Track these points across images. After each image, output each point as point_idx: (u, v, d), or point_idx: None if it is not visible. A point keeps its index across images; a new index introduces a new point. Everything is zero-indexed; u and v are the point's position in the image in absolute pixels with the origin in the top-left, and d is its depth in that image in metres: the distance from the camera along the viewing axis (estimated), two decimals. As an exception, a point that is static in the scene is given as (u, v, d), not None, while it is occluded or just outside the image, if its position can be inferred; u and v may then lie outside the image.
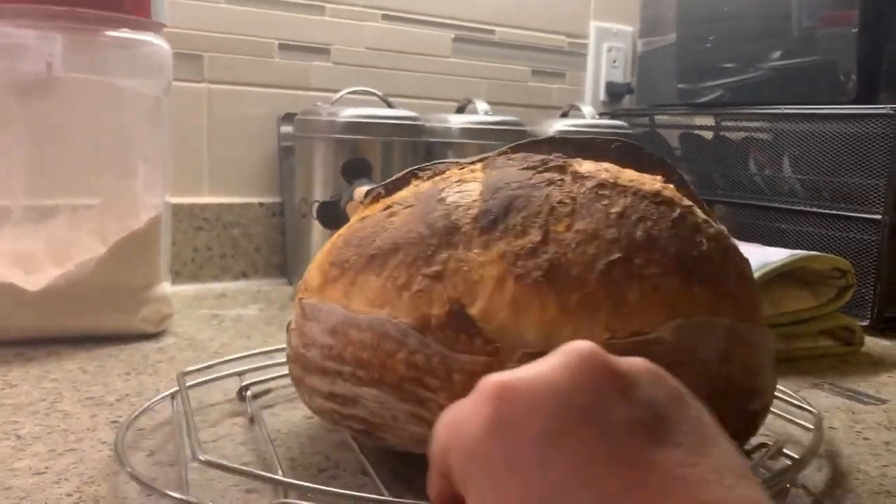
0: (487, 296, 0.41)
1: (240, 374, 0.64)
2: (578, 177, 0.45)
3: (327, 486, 0.45)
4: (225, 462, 0.46)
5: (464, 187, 0.46)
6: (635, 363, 0.30)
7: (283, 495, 0.42)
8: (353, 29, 1.17)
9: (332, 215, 0.95)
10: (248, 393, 0.61)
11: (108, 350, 0.74)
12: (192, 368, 0.63)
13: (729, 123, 1.17)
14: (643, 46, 1.36)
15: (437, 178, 0.50)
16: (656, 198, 0.44)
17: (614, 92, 1.43)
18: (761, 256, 0.81)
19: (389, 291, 0.43)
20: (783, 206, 1.04)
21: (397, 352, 0.42)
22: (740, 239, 0.93)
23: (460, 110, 1.17)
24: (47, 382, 0.65)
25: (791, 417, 0.59)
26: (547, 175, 0.45)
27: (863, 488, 0.51)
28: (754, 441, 0.54)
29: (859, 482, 0.52)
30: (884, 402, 0.70)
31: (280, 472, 0.46)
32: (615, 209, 0.43)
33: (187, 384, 0.60)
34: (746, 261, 0.48)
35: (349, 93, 1.05)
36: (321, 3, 1.14)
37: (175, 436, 0.53)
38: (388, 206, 0.48)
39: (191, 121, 1.07)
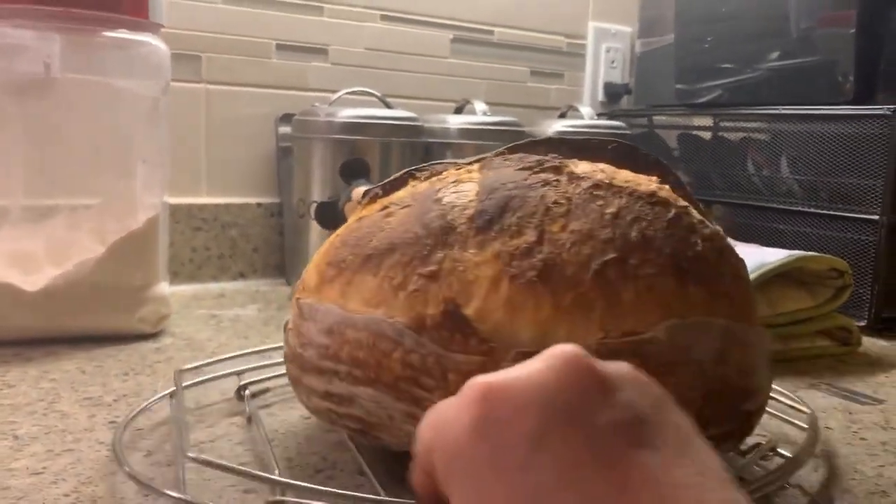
0: (482, 296, 0.41)
1: (238, 373, 0.64)
2: (574, 177, 0.45)
3: (324, 486, 0.45)
4: (219, 461, 0.46)
5: (460, 188, 0.46)
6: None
7: (280, 494, 0.42)
8: (351, 29, 1.17)
9: (331, 216, 0.95)
10: (246, 392, 0.61)
11: (107, 350, 0.74)
12: (189, 367, 0.63)
13: (727, 124, 1.17)
14: (641, 47, 1.36)
15: (434, 178, 0.50)
16: (651, 198, 0.44)
17: (613, 92, 1.43)
18: (759, 257, 0.81)
19: (385, 291, 0.43)
20: (781, 206, 1.04)
21: (393, 351, 0.42)
22: (738, 239, 0.93)
23: (459, 111, 1.17)
24: (45, 382, 0.65)
25: (787, 417, 0.59)
26: (543, 176, 0.45)
27: (859, 488, 0.51)
28: (750, 441, 0.54)
29: (855, 482, 0.52)
30: (880, 402, 0.70)
31: (277, 471, 0.46)
32: (610, 210, 0.43)
33: (185, 384, 0.60)
34: (742, 261, 0.48)
35: (347, 93, 1.05)
36: (319, 4, 1.14)
37: (172, 436, 0.53)
38: (385, 207, 0.48)
39: (189, 121, 1.07)
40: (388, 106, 1.06)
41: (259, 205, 1.12)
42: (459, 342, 0.40)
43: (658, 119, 1.29)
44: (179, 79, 1.02)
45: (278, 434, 0.56)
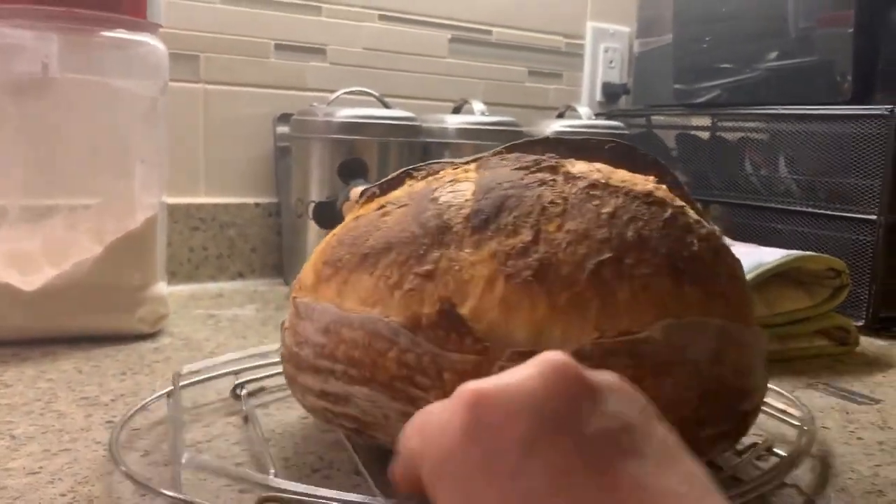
0: (478, 295, 0.41)
1: (235, 373, 0.64)
2: (570, 177, 0.45)
3: (320, 486, 0.45)
4: (212, 463, 0.46)
5: (457, 187, 0.46)
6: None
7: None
8: (349, 29, 1.17)
9: (329, 215, 0.95)
10: (244, 391, 0.61)
11: (104, 350, 0.74)
12: (187, 369, 0.63)
13: (725, 124, 1.17)
14: (640, 47, 1.36)
15: (431, 177, 0.50)
16: (648, 198, 0.44)
17: (611, 92, 1.43)
18: (756, 256, 0.81)
19: (381, 290, 0.43)
20: (779, 206, 1.04)
21: (388, 350, 0.42)
22: (736, 239, 0.94)
23: (457, 111, 1.17)
24: (42, 382, 0.65)
25: (784, 417, 0.59)
26: (539, 175, 0.45)
27: (856, 488, 0.51)
28: (747, 441, 0.54)
29: (852, 482, 0.52)
30: (878, 401, 0.70)
31: (272, 471, 0.46)
32: (606, 209, 0.43)
33: (183, 383, 0.60)
34: (738, 261, 0.48)
35: (345, 93, 1.05)
36: (317, 4, 1.14)
37: (169, 436, 0.53)
38: (382, 206, 0.48)
39: (187, 121, 1.07)
40: (386, 106, 1.06)
41: (257, 205, 1.12)
42: (455, 341, 0.40)
43: (656, 119, 1.29)
44: (178, 79, 1.02)
45: (275, 434, 0.56)
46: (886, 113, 0.90)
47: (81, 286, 0.75)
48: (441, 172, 0.50)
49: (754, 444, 0.53)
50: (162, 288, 0.82)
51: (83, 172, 0.79)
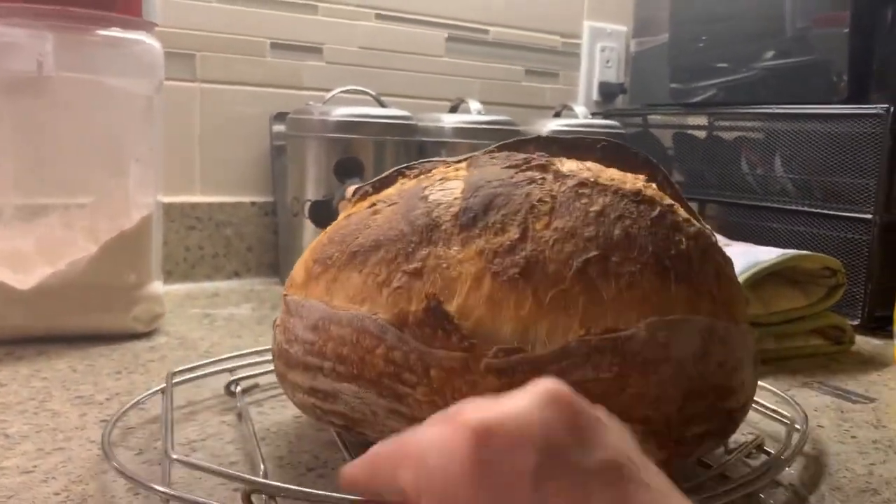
0: (465, 292, 0.41)
1: (230, 370, 0.64)
2: (560, 176, 0.45)
3: (315, 485, 0.45)
4: (199, 462, 0.47)
5: (446, 185, 0.46)
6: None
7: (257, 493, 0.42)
8: (345, 28, 1.17)
9: (325, 214, 0.95)
10: (238, 388, 0.61)
11: (99, 349, 0.74)
12: (181, 368, 0.63)
13: (721, 123, 1.17)
14: (636, 46, 1.37)
15: (422, 176, 0.50)
16: (637, 197, 0.44)
17: (607, 92, 1.43)
18: (752, 256, 0.81)
19: (370, 288, 0.43)
20: (775, 205, 1.04)
21: (376, 348, 0.42)
22: (731, 238, 0.94)
23: (453, 110, 1.17)
24: (37, 381, 0.65)
25: (777, 416, 0.59)
26: (529, 174, 0.45)
27: (850, 486, 0.51)
28: (740, 440, 0.54)
29: (846, 480, 0.52)
30: (872, 400, 0.70)
31: (262, 469, 0.46)
32: (594, 208, 0.43)
33: (177, 381, 0.60)
34: (728, 260, 0.48)
35: (342, 92, 1.05)
36: (314, 3, 1.14)
37: (161, 433, 0.53)
38: (373, 204, 0.48)
39: (183, 120, 1.07)
40: (382, 105, 1.06)
41: (253, 203, 1.12)
42: (441, 339, 0.41)
43: (653, 118, 1.29)
44: (174, 77, 1.02)
45: (270, 433, 0.56)
46: (882, 112, 0.90)
47: (76, 285, 0.75)
48: (433, 171, 0.50)
49: (746, 443, 0.53)
50: (157, 287, 0.82)
51: (78, 171, 0.79)
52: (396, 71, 1.22)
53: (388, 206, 0.47)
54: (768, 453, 0.52)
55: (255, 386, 0.64)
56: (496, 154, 0.50)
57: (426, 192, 0.46)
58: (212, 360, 0.67)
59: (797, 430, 0.55)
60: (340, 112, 0.98)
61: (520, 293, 0.41)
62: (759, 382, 0.56)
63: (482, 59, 1.30)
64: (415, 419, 0.42)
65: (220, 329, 0.84)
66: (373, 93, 1.08)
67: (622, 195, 0.44)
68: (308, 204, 0.99)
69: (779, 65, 1.06)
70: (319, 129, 0.99)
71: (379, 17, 1.19)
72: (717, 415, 0.44)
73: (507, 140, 0.53)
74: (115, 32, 0.78)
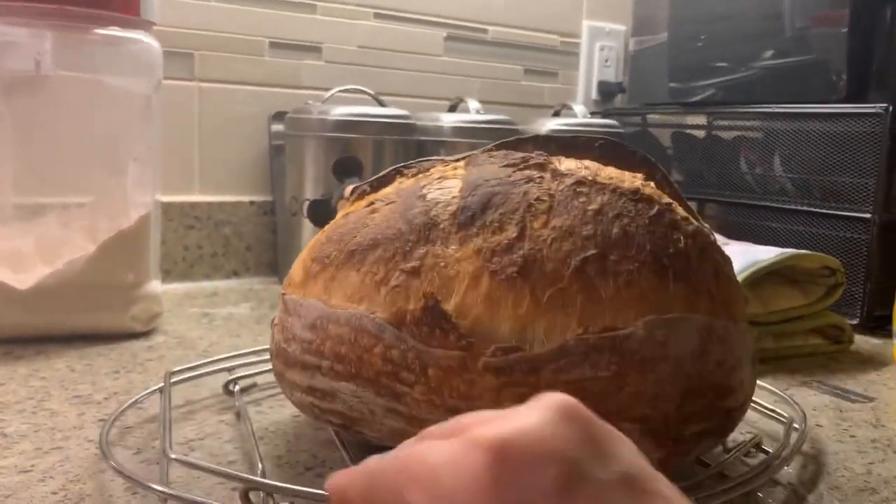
0: (463, 291, 0.41)
1: (229, 369, 0.64)
2: (558, 174, 0.45)
3: (313, 484, 0.45)
4: (196, 461, 0.46)
5: (444, 184, 0.46)
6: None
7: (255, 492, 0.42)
8: (344, 27, 1.17)
9: (323, 214, 0.95)
10: (236, 388, 0.61)
11: (98, 348, 0.74)
12: (179, 368, 0.63)
13: (720, 122, 1.17)
14: (635, 45, 1.36)
15: (421, 175, 0.50)
16: (635, 195, 0.44)
17: (606, 91, 1.43)
18: (751, 255, 0.81)
19: (368, 287, 0.43)
20: (774, 204, 1.04)
21: (374, 346, 0.42)
22: (730, 237, 0.94)
23: (452, 109, 1.17)
24: (35, 381, 0.65)
25: (775, 415, 0.59)
26: (527, 172, 0.45)
27: (848, 485, 0.51)
28: (738, 438, 0.54)
29: (845, 479, 0.52)
30: (871, 399, 0.70)
31: (260, 468, 0.46)
32: (592, 206, 0.43)
33: (175, 380, 0.60)
34: (727, 259, 0.48)
35: (340, 91, 1.05)
36: (312, 2, 1.14)
37: (159, 433, 0.53)
38: (371, 203, 0.48)
39: (182, 119, 1.07)
40: (381, 104, 1.06)
41: (252, 203, 1.11)
42: (439, 337, 0.41)
43: (652, 117, 1.29)
44: (172, 76, 1.02)
45: (268, 432, 0.56)
46: (881, 111, 0.90)
47: (75, 284, 0.75)
48: (431, 170, 0.50)
49: (744, 442, 0.53)
50: (156, 286, 0.82)
51: (76, 170, 0.79)
52: (395, 70, 1.22)
53: (387, 204, 0.47)
54: (767, 452, 0.52)
55: (254, 385, 0.64)
56: (494, 153, 0.50)
57: (424, 191, 0.46)
58: (210, 359, 0.67)
59: (796, 429, 0.55)
60: (339, 111, 0.98)
61: (518, 292, 0.41)
62: (758, 381, 0.56)
63: (481, 58, 1.30)
64: (413, 418, 0.42)
65: (218, 328, 0.84)
66: (372, 92, 1.08)
67: (620, 194, 0.44)
68: (307, 203, 0.99)
69: (778, 64, 1.06)
70: (318, 128, 0.99)
71: (378, 16, 1.19)
72: (715, 413, 0.44)
73: (505, 139, 0.53)
74: (114, 31, 0.78)
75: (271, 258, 1.13)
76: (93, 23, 0.76)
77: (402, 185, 0.50)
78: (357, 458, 0.48)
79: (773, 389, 0.65)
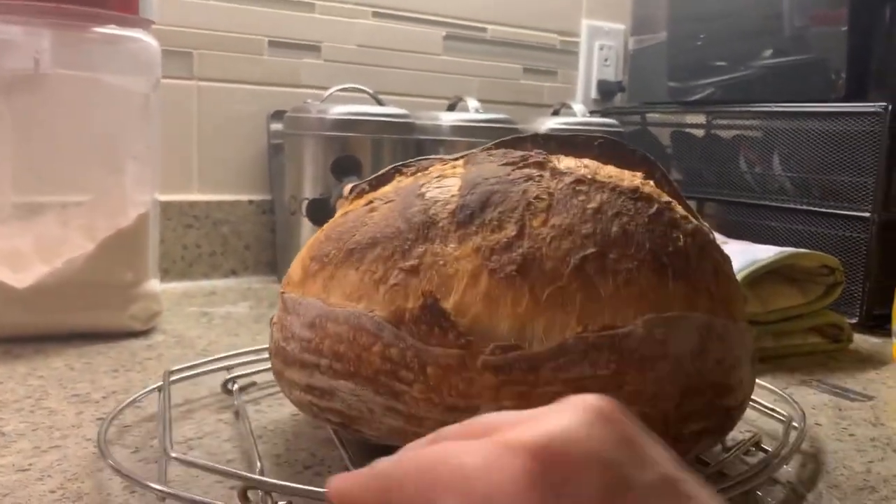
0: (461, 290, 0.41)
1: (227, 368, 0.64)
2: (557, 173, 0.45)
3: (312, 483, 0.45)
4: (195, 460, 0.46)
5: (443, 183, 0.46)
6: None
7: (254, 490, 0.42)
8: (343, 26, 1.17)
9: (322, 213, 0.95)
10: (235, 386, 0.61)
11: (97, 347, 0.74)
12: (178, 367, 0.63)
13: (720, 121, 1.17)
14: (635, 44, 1.36)
15: (419, 173, 0.50)
16: (634, 194, 0.44)
17: (606, 90, 1.43)
18: (750, 254, 0.81)
19: (367, 285, 0.43)
20: (773, 203, 1.04)
21: (373, 345, 0.42)
22: (729, 236, 0.94)
23: (451, 108, 1.17)
24: (33, 379, 0.65)
25: (775, 414, 0.59)
26: (526, 171, 0.45)
27: (847, 484, 0.51)
28: (738, 437, 0.54)
29: (844, 478, 0.52)
30: (870, 398, 0.70)
31: (259, 467, 0.46)
32: (592, 204, 0.43)
33: (174, 378, 0.60)
34: (726, 257, 0.48)
35: (339, 90, 1.05)
36: (311, 1, 1.14)
37: (158, 431, 0.53)
38: (370, 202, 0.48)
39: (180, 118, 1.07)
40: (379, 103, 1.06)
41: (251, 202, 1.11)
42: (438, 336, 0.41)
43: (651, 116, 1.29)
44: (171, 75, 1.02)
45: (267, 431, 0.56)
46: (880, 110, 0.90)
47: (73, 283, 0.75)
48: (430, 168, 0.50)
49: (743, 441, 0.53)
50: (155, 285, 0.82)
51: (75, 169, 0.79)
52: (394, 69, 1.22)
53: (385, 203, 0.47)
54: (766, 451, 0.52)
55: (253, 384, 0.64)
56: (493, 151, 0.50)
57: (423, 190, 0.46)
58: (209, 358, 0.66)
59: (795, 427, 0.55)
60: (338, 110, 0.98)
61: (517, 290, 0.41)
62: (757, 380, 0.56)
63: (480, 57, 1.30)
64: (411, 416, 0.42)
65: (217, 327, 0.84)
66: (370, 91, 1.08)
67: (619, 192, 0.44)
68: (306, 202, 0.99)
69: (777, 63, 1.06)
70: (317, 127, 0.99)
71: (376, 15, 1.19)
72: (714, 412, 0.44)
73: (504, 137, 0.53)
74: (112, 30, 0.78)
75: (270, 257, 1.13)
76: (91, 21, 0.76)
77: (400, 183, 0.50)
78: (356, 456, 0.48)
79: (773, 388, 0.65)
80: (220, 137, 1.10)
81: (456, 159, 0.50)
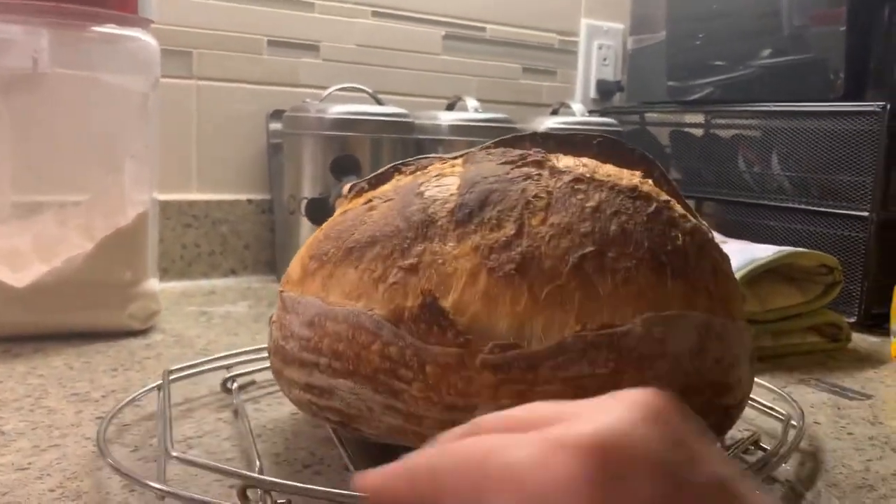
0: (460, 288, 0.41)
1: (227, 367, 0.64)
2: (556, 171, 0.45)
3: (311, 482, 0.45)
4: (194, 458, 0.46)
5: (442, 181, 0.46)
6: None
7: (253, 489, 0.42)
8: (342, 26, 1.17)
9: (321, 212, 0.95)
10: (234, 385, 0.61)
11: (96, 346, 0.74)
12: (177, 366, 0.63)
13: (718, 121, 1.17)
14: (633, 44, 1.36)
15: (418, 172, 0.50)
16: (633, 192, 0.44)
17: (605, 90, 1.43)
18: (749, 253, 0.81)
19: (366, 284, 0.43)
20: (772, 202, 1.04)
21: (372, 343, 0.42)
22: (728, 235, 0.94)
23: (450, 107, 1.17)
24: (33, 378, 0.65)
25: (773, 413, 0.59)
26: (525, 170, 0.45)
27: (846, 483, 0.51)
28: (737, 436, 0.54)
29: (843, 476, 0.52)
30: (869, 397, 0.70)
31: (258, 466, 0.46)
32: (590, 203, 0.43)
33: (173, 377, 0.60)
34: (725, 256, 0.48)
35: (338, 89, 1.05)
36: (311, 0, 1.14)
37: (157, 431, 0.53)
38: (369, 200, 0.48)
39: (180, 117, 1.07)
40: (379, 102, 1.06)
41: (250, 201, 1.11)
42: (437, 334, 0.41)
43: (650, 116, 1.29)
44: (170, 75, 1.02)
45: (266, 430, 0.56)
46: (878, 110, 0.90)
47: (72, 282, 0.75)
48: (429, 167, 0.50)
49: (742, 439, 0.53)
50: (153, 284, 0.82)
51: (74, 168, 0.79)
52: (393, 69, 1.22)
53: (384, 202, 0.47)
54: (764, 450, 0.52)
55: (252, 383, 0.64)
56: (492, 150, 0.50)
57: (422, 189, 0.46)
58: (208, 357, 0.66)
59: (794, 426, 0.55)
60: (337, 110, 0.98)
61: (516, 289, 0.41)
62: (756, 379, 0.56)
63: (479, 56, 1.30)
64: (410, 415, 0.42)
65: (216, 327, 0.84)
66: (370, 90, 1.08)
67: (618, 191, 0.44)
68: (305, 201, 0.99)
69: (776, 62, 1.06)
70: (316, 126, 0.99)
71: (376, 14, 1.19)
72: (713, 411, 0.44)
73: (503, 136, 0.53)
74: (111, 29, 0.78)
75: (269, 256, 1.13)
76: (90, 20, 0.76)
77: (399, 182, 0.50)
78: (355, 455, 0.48)
79: (771, 387, 0.65)
80: (219, 137, 1.10)
81: (455, 158, 0.50)
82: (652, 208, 0.44)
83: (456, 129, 1.07)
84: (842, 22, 0.96)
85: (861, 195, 0.92)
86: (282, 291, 0.49)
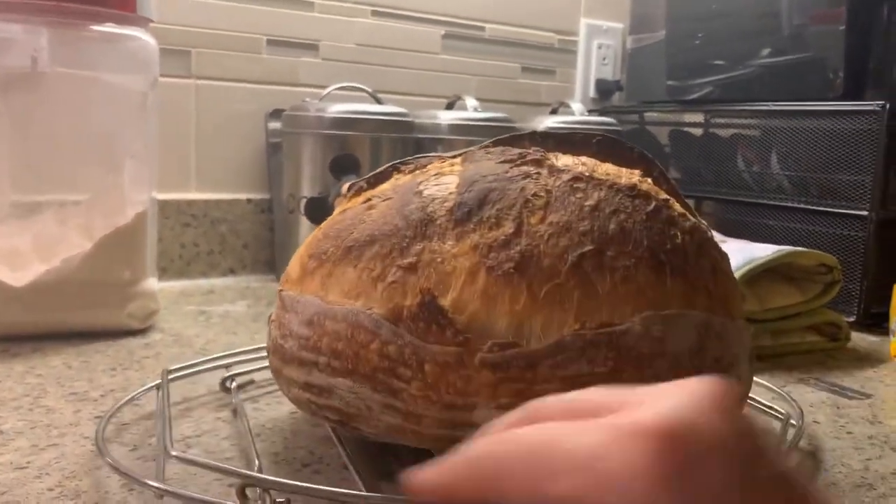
0: (459, 287, 0.41)
1: (226, 366, 0.64)
2: (555, 170, 0.45)
3: (310, 481, 0.45)
4: (193, 457, 0.46)
5: (441, 180, 0.46)
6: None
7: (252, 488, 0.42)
8: (342, 25, 1.17)
9: (320, 211, 0.95)
10: (233, 384, 0.61)
11: (94, 346, 0.74)
12: (176, 366, 0.63)
13: (718, 120, 1.17)
14: (633, 43, 1.36)
15: (417, 171, 0.50)
16: (632, 191, 0.44)
17: (604, 89, 1.43)
18: (748, 252, 0.81)
19: (365, 283, 0.43)
20: (771, 202, 1.04)
21: (371, 342, 0.42)
22: (727, 235, 0.94)
23: (450, 107, 1.17)
24: (32, 378, 0.65)
25: (773, 412, 0.59)
26: (524, 168, 0.45)
27: (846, 482, 0.51)
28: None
29: (842, 475, 0.52)
30: (868, 396, 0.70)
31: (257, 465, 0.46)
32: (589, 202, 0.43)
33: (172, 377, 0.60)
34: (725, 255, 0.48)
35: (338, 89, 1.05)
36: (310, -1, 1.14)
37: (156, 430, 0.53)
38: (368, 199, 0.48)
39: (179, 117, 1.07)
40: (378, 101, 1.06)
41: (249, 200, 1.11)
42: (436, 333, 0.41)
43: (649, 115, 1.29)
44: (169, 74, 1.02)
45: (265, 429, 0.56)
46: (878, 109, 0.90)
47: (71, 282, 0.75)
48: (428, 166, 0.50)
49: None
50: (152, 284, 0.82)
51: (73, 168, 0.79)
52: (393, 68, 1.22)
53: (383, 201, 0.47)
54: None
55: (251, 382, 0.64)
56: (491, 149, 0.50)
57: (421, 187, 0.46)
58: (207, 356, 0.66)
59: (793, 425, 0.55)
60: (336, 109, 0.98)
61: (514, 287, 0.41)
62: (756, 378, 0.56)
63: (479, 56, 1.30)
64: (409, 414, 0.42)
65: (215, 326, 0.84)
66: (369, 90, 1.07)
67: (617, 190, 0.44)
68: (304, 201, 0.99)
69: (775, 62, 1.06)
70: (315, 125, 0.99)
71: (375, 13, 1.19)
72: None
73: (502, 136, 0.53)
74: (110, 28, 0.78)
75: (268, 256, 1.13)
76: (89, 19, 0.76)
77: (398, 181, 0.50)
78: (354, 454, 0.48)
79: (771, 386, 0.65)
80: (218, 136, 1.10)
81: (454, 157, 0.50)
82: (651, 207, 0.44)
83: (455, 128, 1.07)
84: (841, 21, 0.96)
85: (860, 194, 0.92)
86: (281, 290, 0.49)
